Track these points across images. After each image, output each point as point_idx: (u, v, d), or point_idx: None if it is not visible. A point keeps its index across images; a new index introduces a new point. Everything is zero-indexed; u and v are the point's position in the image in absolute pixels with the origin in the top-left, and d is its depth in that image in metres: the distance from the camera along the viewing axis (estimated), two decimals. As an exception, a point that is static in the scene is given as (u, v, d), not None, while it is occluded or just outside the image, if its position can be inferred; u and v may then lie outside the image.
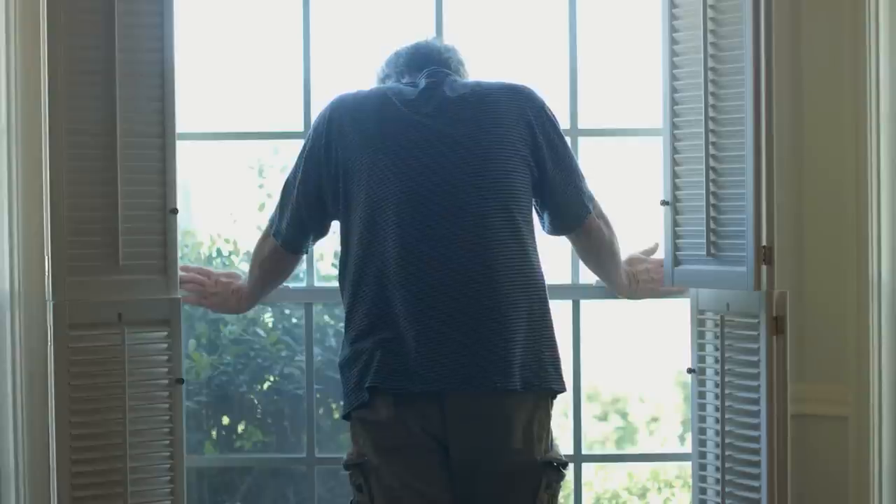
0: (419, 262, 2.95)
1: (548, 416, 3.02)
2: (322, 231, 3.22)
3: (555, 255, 3.55)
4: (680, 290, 3.46)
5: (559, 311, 3.74)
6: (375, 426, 2.95)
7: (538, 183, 3.09)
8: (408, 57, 3.20)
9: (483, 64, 4.35)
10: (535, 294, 3.00)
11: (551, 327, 3.05)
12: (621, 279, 3.39)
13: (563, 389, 3.05)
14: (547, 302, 3.05)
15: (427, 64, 3.15)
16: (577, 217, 3.21)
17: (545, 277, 3.09)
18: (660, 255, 3.47)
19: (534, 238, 3.07)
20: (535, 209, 3.16)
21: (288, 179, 3.20)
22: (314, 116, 3.46)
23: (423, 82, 3.09)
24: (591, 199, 3.23)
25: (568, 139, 3.59)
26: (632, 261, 3.43)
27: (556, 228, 3.22)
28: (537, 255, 3.06)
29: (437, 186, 2.97)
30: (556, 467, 3.01)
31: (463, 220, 2.96)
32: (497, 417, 2.93)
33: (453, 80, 3.12)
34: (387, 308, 2.96)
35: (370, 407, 2.94)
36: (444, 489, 2.94)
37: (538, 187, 3.10)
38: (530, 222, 3.08)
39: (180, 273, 3.36)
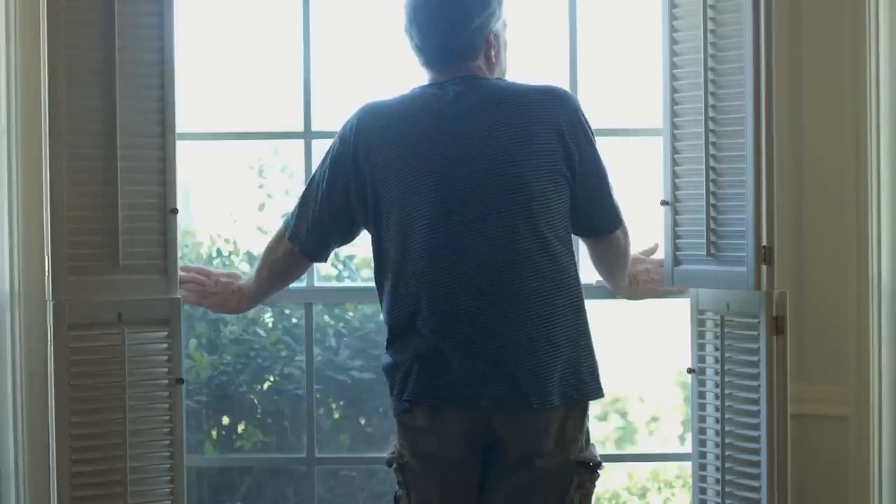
0: (450, 276, 2.94)
1: (584, 416, 3.01)
2: (346, 238, 3.18)
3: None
4: (680, 290, 3.46)
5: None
6: (415, 432, 3.00)
7: (570, 190, 3.04)
8: (423, 43, 3.04)
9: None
10: (570, 304, 2.97)
11: (588, 335, 3.03)
12: (623, 281, 3.38)
13: (601, 395, 3.05)
14: (583, 310, 3.02)
15: (452, 61, 3.04)
16: (600, 230, 3.16)
17: (580, 284, 3.06)
18: (659, 255, 3.47)
19: (568, 246, 3.01)
20: None
21: (310, 186, 3.17)
22: (314, 116, 3.45)
23: (451, 91, 3.01)
24: (619, 213, 3.17)
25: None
26: (632, 261, 3.42)
27: (578, 232, 3.16)
28: (573, 263, 3.01)
29: (466, 198, 2.94)
30: (589, 467, 3.01)
31: (491, 231, 2.93)
32: (534, 428, 2.95)
33: (484, 84, 3.03)
34: (422, 322, 2.96)
35: (411, 413, 2.99)
36: (469, 486, 3.00)
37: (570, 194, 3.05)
38: (562, 230, 3.00)
39: (180, 273, 3.36)
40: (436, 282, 2.94)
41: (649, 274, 3.44)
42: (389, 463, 3.05)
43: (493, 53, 3.08)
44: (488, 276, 2.92)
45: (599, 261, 3.32)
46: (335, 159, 3.09)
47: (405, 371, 2.98)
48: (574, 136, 3.02)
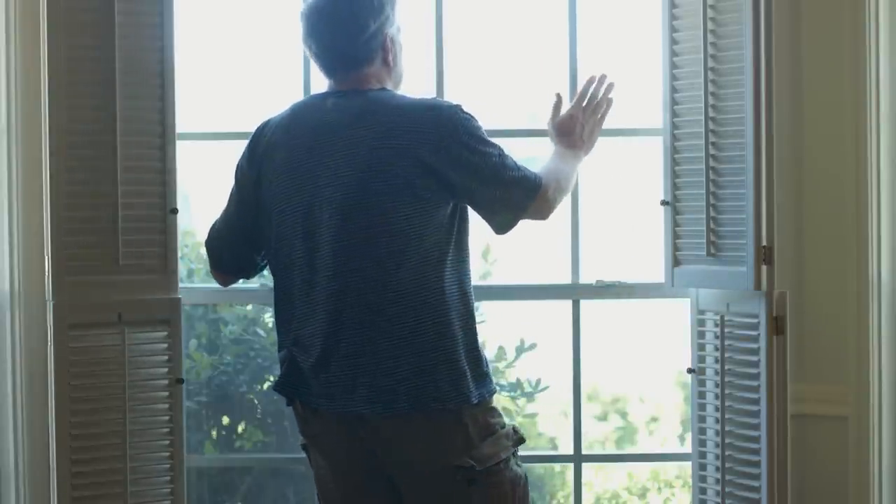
0: (311, 295, 2.96)
1: (457, 425, 2.94)
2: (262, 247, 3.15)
3: (554, 255, 3.55)
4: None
5: (559, 311, 3.75)
6: (301, 419, 3.08)
7: (457, 201, 2.97)
8: (322, 52, 3.05)
9: (483, 64, 4.36)
10: (432, 319, 2.92)
11: (455, 346, 2.94)
12: (580, 157, 3.29)
13: (465, 403, 2.93)
14: (450, 324, 2.94)
15: (351, 68, 3.03)
16: (513, 221, 3.06)
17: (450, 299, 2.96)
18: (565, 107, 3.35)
19: (433, 263, 2.93)
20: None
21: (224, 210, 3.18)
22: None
23: (331, 104, 3.01)
24: (531, 193, 3.01)
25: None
26: (561, 129, 3.30)
27: (497, 231, 3.10)
28: (439, 279, 2.93)
29: (328, 217, 2.93)
30: (468, 469, 2.93)
31: (349, 252, 2.92)
32: (394, 435, 2.95)
33: (367, 98, 3.00)
34: (295, 327, 3.01)
35: (295, 402, 3.07)
36: (356, 473, 3.02)
37: (460, 204, 2.99)
38: (429, 247, 2.93)
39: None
40: (301, 299, 2.98)
41: (581, 129, 3.30)
42: (304, 447, 3.13)
43: (390, 58, 3.07)
44: (344, 297, 2.93)
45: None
46: (237, 177, 3.11)
47: (281, 364, 3.06)
48: (445, 155, 2.92)
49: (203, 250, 5.09)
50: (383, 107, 2.98)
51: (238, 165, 3.12)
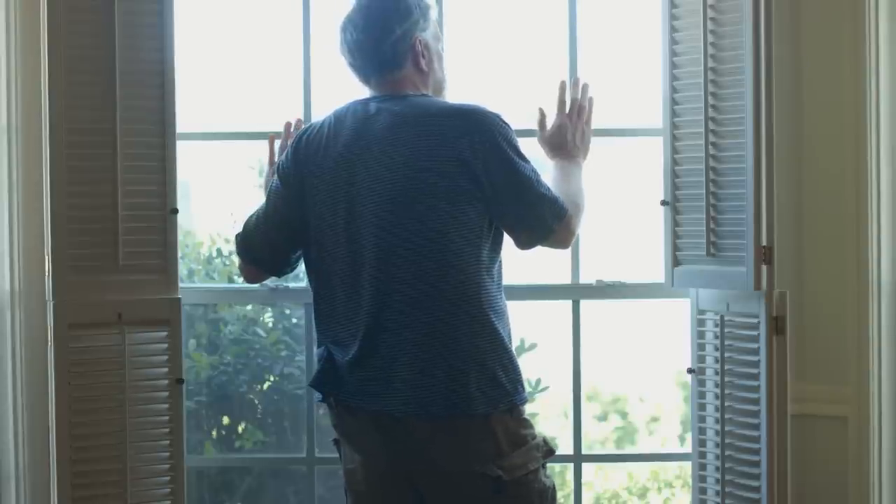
0: (350, 299, 2.98)
1: (487, 431, 2.93)
2: (296, 247, 3.16)
3: (554, 255, 3.55)
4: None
5: (559, 311, 3.75)
6: (335, 416, 3.09)
7: (486, 211, 2.98)
8: (353, 59, 3.10)
9: (483, 64, 4.36)
10: (468, 326, 2.93)
11: (488, 353, 2.95)
12: (581, 166, 3.28)
13: (495, 409, 2.93)
14: (486, 331, 2.95)
15: (382, 73, 3.06)
16: (538, 239, 3.08)
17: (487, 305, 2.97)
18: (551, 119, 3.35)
19: (472, 267, 2.95)
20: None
21: (260, 207, 3.19)
22: (314, 116, 3.46)
23: (373, 108, 3.03)
24: (559, 216, 3.04)
25: (567, 139, 3.58)
26: (553, 142, 3.30)
27: (520, 246, 3.11)
28: (476, 284, 2.95)
29: (367, 222, 2.95)
30: (497, 477, 2.93)
31: (385, 260, 2.93)
32: (425, 437, 2.94)
33: (406, 103, 3.02)
34: (335, 322, 3.02)
35: (329, 400, 3.08)
36: (386, 470, 3.02)
37: (490, 214, 2.99)
38: (466, 252, 2.94)
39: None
40: (342, 298, 3.00)
41: (574, 138, 3.30)
42: (335, 441, 3.15)
43: (422, 62, 3.09)
44: (385, 298, 2.94)
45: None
46: (281, 176, 3.12)
47: (318, 361, 3.07)
48: (483, 160, 2.94)
49: (204, 250, 5.10)
50: (425, 110, 3.01)
51: (280, 165, 3.13)
